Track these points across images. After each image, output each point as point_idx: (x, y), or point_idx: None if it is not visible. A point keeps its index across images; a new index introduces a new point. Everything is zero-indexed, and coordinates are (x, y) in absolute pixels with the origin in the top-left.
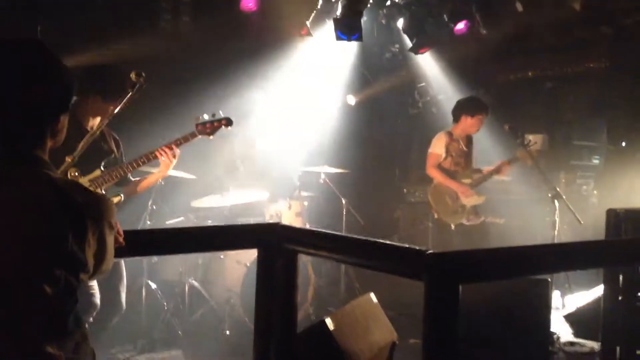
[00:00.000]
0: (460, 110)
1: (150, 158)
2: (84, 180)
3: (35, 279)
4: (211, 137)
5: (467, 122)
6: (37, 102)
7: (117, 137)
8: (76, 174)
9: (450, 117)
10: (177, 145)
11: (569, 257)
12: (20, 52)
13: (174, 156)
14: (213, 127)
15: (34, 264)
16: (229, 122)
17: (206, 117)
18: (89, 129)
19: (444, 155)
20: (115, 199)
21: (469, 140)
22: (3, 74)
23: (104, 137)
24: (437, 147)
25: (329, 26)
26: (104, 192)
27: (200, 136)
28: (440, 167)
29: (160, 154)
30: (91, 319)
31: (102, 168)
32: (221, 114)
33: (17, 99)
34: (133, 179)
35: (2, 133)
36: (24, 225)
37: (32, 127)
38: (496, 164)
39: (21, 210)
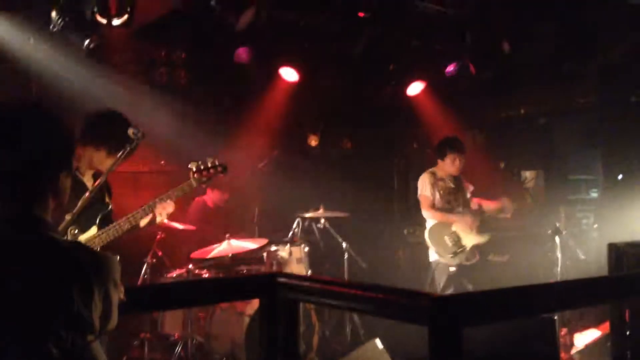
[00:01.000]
0: (435, 151)
1: (147, 212)
2: (81, 240)
3: (42, 339)
4: (205, 185)
5: (442, 165)
6: (35, 160)
7: (109, 186)
8: (76, 232)
9: None
10: (173, 198)
11: (572, 295)
12: (17, 112)
13: (171, 208)
14: (209, 174)
15: (40, 325)
16: (224, 169)
17: (201, 164)
18: (85, 181)
19: (430, 195)
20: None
21: (456, 179)
22: (1, 134)
23: (96, 190)
24: (424, 188)
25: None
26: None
27: (196, 185)
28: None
29: (157, 208)
30: None
31: (97, 223)
32: (216, 161)
33: (15, 158)
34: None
35: (3, 195)
36: (29, 288)
37: (32, 187)
38: (499, 201)
39: (26, 273)
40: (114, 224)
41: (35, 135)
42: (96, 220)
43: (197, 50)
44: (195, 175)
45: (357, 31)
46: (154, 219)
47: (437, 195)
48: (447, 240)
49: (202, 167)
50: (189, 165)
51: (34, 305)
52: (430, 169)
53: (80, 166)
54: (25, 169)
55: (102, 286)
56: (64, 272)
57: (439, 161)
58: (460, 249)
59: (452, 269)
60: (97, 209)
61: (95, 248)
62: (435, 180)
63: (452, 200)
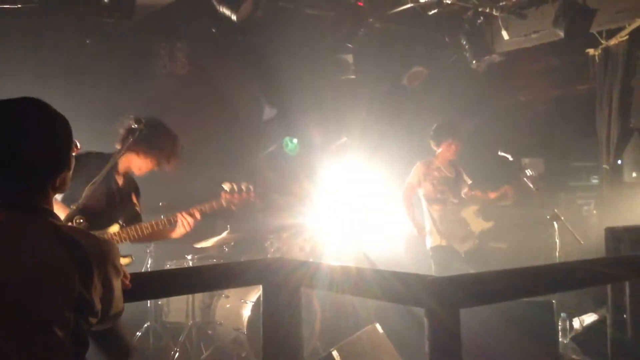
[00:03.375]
0: (430, 143)
1: (171, 222)
2: (101, 234)
3: (46, 321)
4: (234, 208)
5: (440, 153)
6: (34, 162)
7: (136, 186)
8: (81, 221)
9: None
10: (200, 213)
11: (568, 276)
12: (16, 113)
13: (194, 222)
14: (241, 198)
15: (44, 307)
16: (256, 195)
17: (235, 186)
18: (117, 181)
19: (417, 184)
20: (125, 261)
21: (454, 167)
22: (1, 134)
23: (125, 190)
24: (412, 176)
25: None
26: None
27: (225, 206)
28: (425, 195)
29: (182, 220)
30: None
31: (121, 223)
32: (250, 187)
33: (15, 158)
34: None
35: (6, 187)
36: (31, 270)
37: (32, 183)
38: (500, 190)
39: (27, 256)
40: (135, 226)
41: (36, 138)
42: (117, 219)
43: (198, 41)
44: (226, 196)
45: (356, 20)
46: (174, 229)
47: (429, 186)
48: (458, 227)
49: (235, 190)
50: (223, 185)
51: (36, 289)
52: (426, 159)
53: (118, 167)
54: (28, 169)
55: (102, 269)
56: (63, 255)
57: (435, 149)
58: (470, 234)
59: (462, 254)
60: (123, 209)
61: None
62: (428, 170)
63: (447, 190)
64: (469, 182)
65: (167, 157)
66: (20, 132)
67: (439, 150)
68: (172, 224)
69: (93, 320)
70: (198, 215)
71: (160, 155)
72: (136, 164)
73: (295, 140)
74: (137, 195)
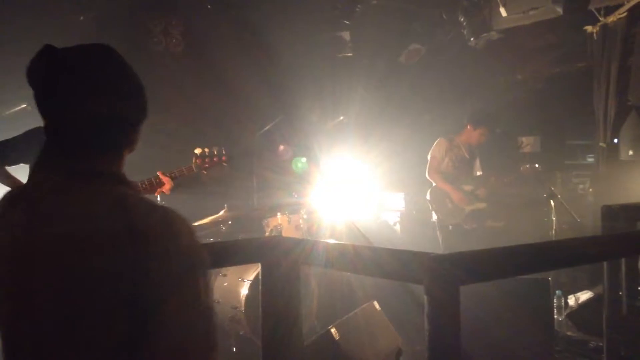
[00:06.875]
0: (467, 119)
1: (143, 186)
2: None
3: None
4: (205, 172)
5: (469, 133)
6: (117, 107)
7: None
8: None
9: (443, 124)
10: (172, 178)
11: (566, 254)
12: (91, 58)
13: (168, 186)
14: (212, 163)
15: (103, 302)
16: (226, 161)
17: (206, 151)
18: None
19: (441, 159)
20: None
21: (471, 149)
22: (74, 81)
23: None
24: (436, 151)
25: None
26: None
27: (196, 171)
28: (441, 170)
29: (156, 182)
30: None
31: None
32: (222, 150)
33: (90, 108)
34: None
35: (70, 148)
36: (81, 257)
37: (105, 139)
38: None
39: (79, 237)
40: None
41: (113, 78)
42: None
43: (193, 18)
44: (197, 160)
45: None
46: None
47: (448, 161)
48: (447, 201)
49: (206, 154)
50: (194, 150)
51: (90, 278)
52: (450, 135)
53: None
54: (103, 120)
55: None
56: (123, 236)
57: (469, 126)
58: (459, 211)
59: (450, 227)
60: None
61: None
62: (450, 147)
63: (461, 168)
64: (479, 173)
65: None
66: (103, 70)
67: (468, 131)
68: (145, 187)
69: None
70: (170, 181)
71: None
72: None
73: (304, 159)
74: None
